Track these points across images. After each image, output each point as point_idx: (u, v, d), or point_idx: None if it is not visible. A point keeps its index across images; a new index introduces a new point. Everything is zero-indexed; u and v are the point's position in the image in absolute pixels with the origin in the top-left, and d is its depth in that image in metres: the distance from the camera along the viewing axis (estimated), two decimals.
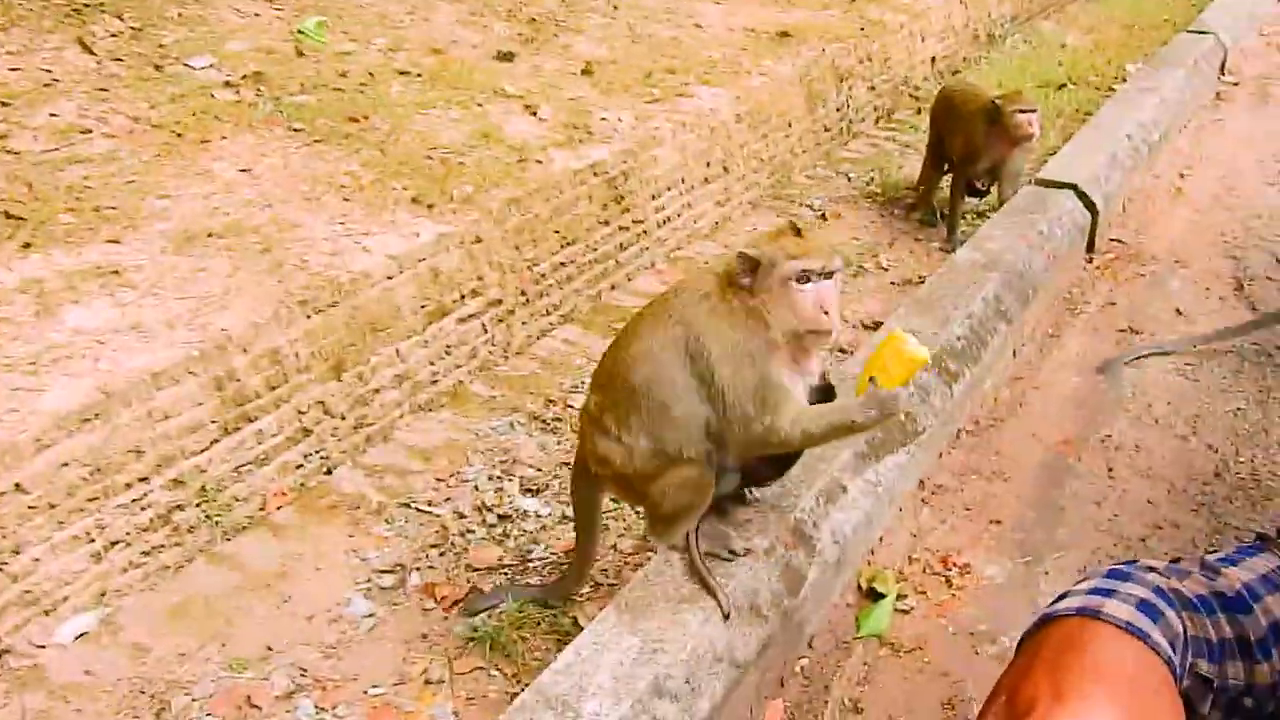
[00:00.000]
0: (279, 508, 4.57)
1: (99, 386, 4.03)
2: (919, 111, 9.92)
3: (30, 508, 3.82)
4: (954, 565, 4.13)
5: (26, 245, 4.80)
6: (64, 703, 3.61)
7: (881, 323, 5.75)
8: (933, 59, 10.74)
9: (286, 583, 4.13)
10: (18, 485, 3.77)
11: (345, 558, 4.21)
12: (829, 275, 2.74)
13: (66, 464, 3.90)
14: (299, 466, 4.77)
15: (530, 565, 4.11)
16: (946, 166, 7.53)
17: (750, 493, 3.24)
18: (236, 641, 3.83)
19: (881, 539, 4.27)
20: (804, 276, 2.70)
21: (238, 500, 4.51)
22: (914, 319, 5.03)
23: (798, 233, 2.85)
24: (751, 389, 2.69)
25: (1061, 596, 1.40)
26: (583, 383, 5.47)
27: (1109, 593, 1.31)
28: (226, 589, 4.10)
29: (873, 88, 9.67)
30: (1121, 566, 1.45)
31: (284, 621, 3.93)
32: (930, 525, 4.42)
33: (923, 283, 6.25)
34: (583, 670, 2.87)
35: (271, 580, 4.14)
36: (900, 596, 3.97)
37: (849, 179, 8.49)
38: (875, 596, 3.95)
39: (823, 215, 7.75)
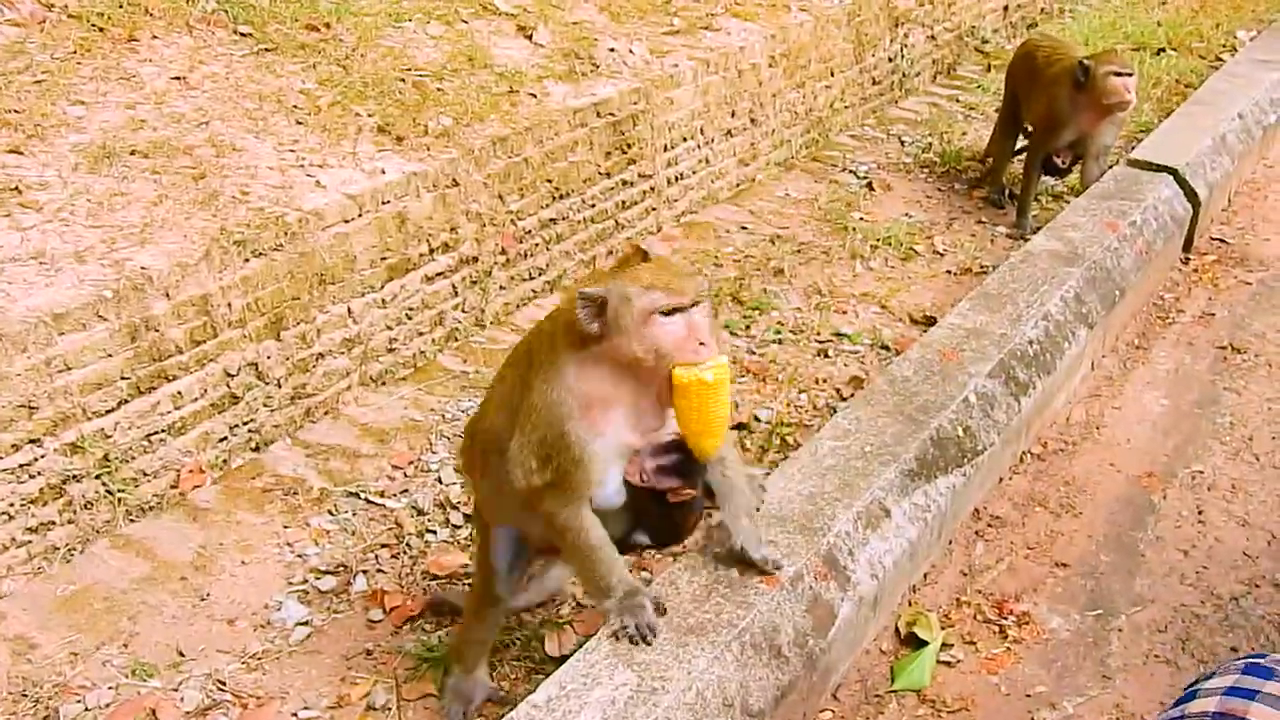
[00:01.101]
0: (196, 487, 4.56)
1: None
2: (988, 69, 9.98)
3: None
4: (1010, 613, 4.14)
5: None
6: None
7: (935, 318, 5.79)
8: (1005, 7, 10.81)
9: (204, 577, 4.13)
10: None
11: (277, 552, 4.20)
12: (696, 304, 2.87)
13: None
14: (223, 439, 4.78)
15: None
16: (1021, 136, 7.56)
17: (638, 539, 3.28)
18: (141, 643, 3.83)
19: (926, 576, 4.27)
20: (670, 309, 2.82)
21: (146, 475, 4.52)
22: (978, 315, 5.04)
23: (645, 258, 3.00)
24: (537, 447, 2.91)
25: (1191, 693, 1.45)
26: None
27: (1251, 694, 1.30)
28: (131, 580, 4.09)
29: (933, 36, 9.73)
30: (1260, 661, 1.49)
31: (199, 623, 3.92)
32: (985, 563, 4.42)
33: (985, 273, 6.28)
34: (566, 708, 2.86)
35: (186, 573, 4.13)
36: (945, 645, 3.94)
37: (902, 143, 8.55)
38: (916, 644, 3.94)
39: (869, 184, 7.79)
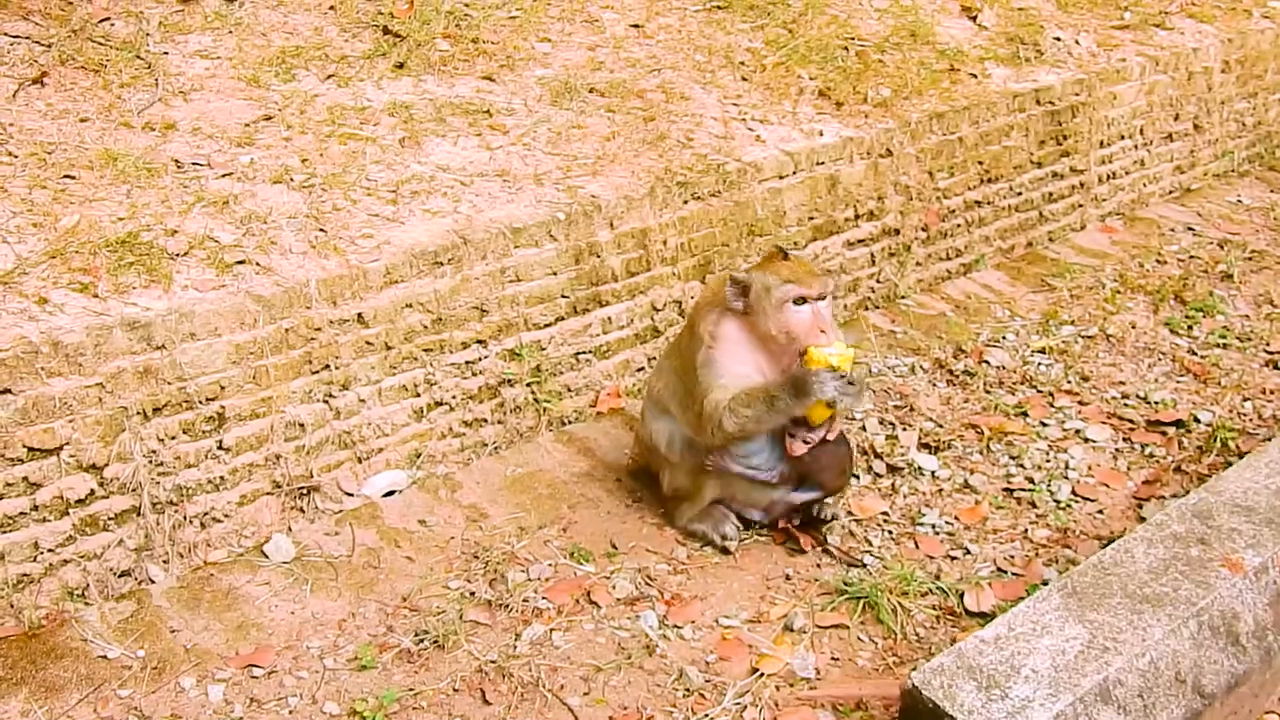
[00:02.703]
0: (608, 410, 4.76)
1: (457, 230, 4.32)
2: None
3: (368, 344, 4.13)
4: None
5: (400, 66, 5.22)
6: (394, 546, 3.97)
7: None
8: None
9: (636, 483, 4.33)
10: (360, 317, 4.08)
11: None
12: (822, 298, 3.59)
13: (410, 305, 4.19)
14: (640, 369, 4.92)
15: (919, 529, 4.14)
16: None
17: (820, 511, 3.97)
18: (579, 531, 4.07)
19: None
20: (800, 299, 3.56)
21: (570, 391, 4.72)
22: None
23: (785, 257, 3.70)
24: (696, 381, 3.64)
25: None
26: (1003, 337, 5.42)
27: None
28: (572, 473, 4.37)
29: None
30: None
31: (631, 522, 4.13)
32: None
33: None
34: (1015, 649, 2.89)
35: (620, 475, 4.35)
36: None
37: None
38: None
39: None
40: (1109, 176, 6.84)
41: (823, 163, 5.31)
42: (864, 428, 4.66)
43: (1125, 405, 4.82)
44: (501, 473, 4.35)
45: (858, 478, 4.36)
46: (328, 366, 4.04)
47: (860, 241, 5.60)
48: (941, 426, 4.69)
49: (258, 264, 3.95)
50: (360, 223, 4.23)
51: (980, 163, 6.00)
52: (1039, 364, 5.13)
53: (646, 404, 4.03)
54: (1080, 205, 6.70)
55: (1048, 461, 4.45)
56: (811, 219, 5.33)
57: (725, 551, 3.93)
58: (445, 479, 4.28)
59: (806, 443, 3.68)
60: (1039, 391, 4.92)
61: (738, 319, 3.70)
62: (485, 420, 4.50)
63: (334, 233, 4.14)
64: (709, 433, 3.68)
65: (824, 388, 3.46)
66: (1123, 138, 6.82)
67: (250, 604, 3.68)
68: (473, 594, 3.71)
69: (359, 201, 4.34)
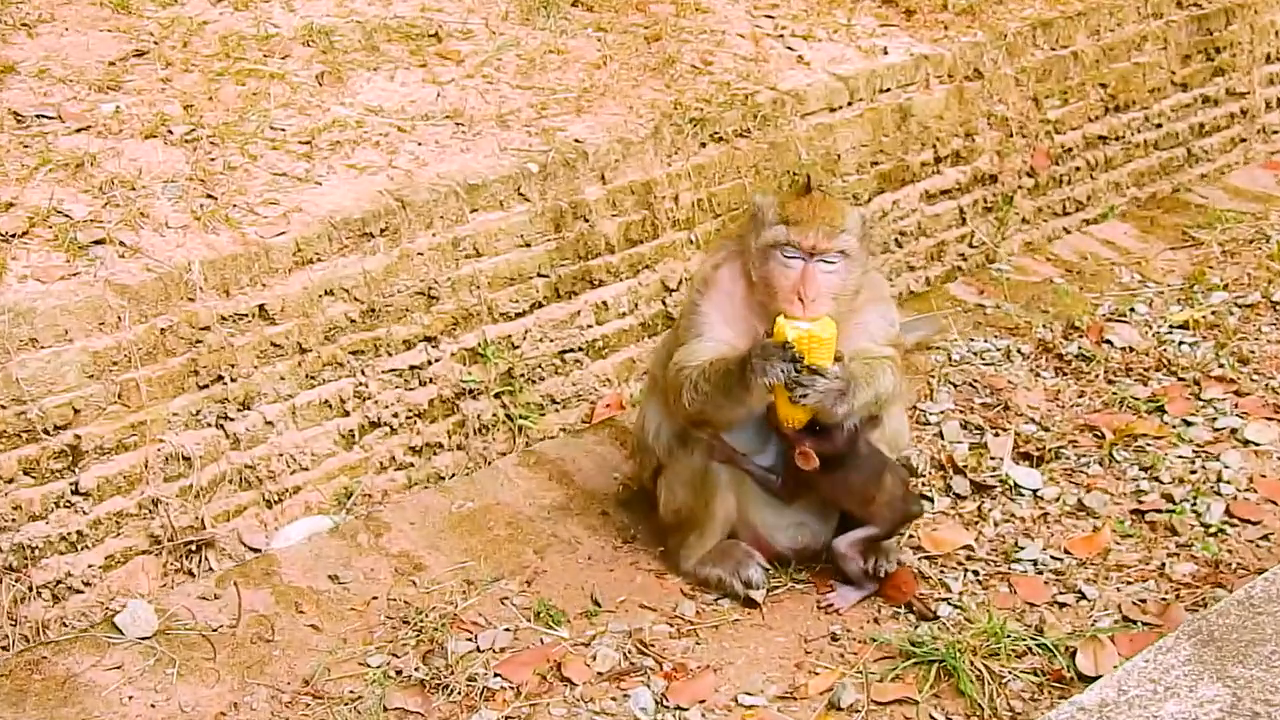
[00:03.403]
0: (595, 423, 4.66)
1: (393, 190, 4.21)
2: None
3: (274, 346, 4.02)
4: None
5: None
6: (295, 612, 3.87)
7: None
8: None
9: (630, 514, 4.26)
10: (262, 310, 3.95)
11: None
12: (814, 254, 3.53)
13: (331, 292, 4.07)
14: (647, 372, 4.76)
15: (1014, 568, 4.01)
16: None
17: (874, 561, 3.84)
18: (549, 583, 3.99)
19: None
20: (790, 247, 3.53)
21: (555, 403, 4.62)
22: None
23: (809, 189, 3.62)
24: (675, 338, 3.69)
25: None
26: (1131, 309, 5.32)
27: None
28: (542, 506, 4.31)
29: None
30: None
31: (620, 570, 4.05)
32: None
33: None
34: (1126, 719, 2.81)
35: (608, 507, 4.31)
36: None
37: None
38: None
39: None
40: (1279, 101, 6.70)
41: (889, 89, 5.22)
42: (941, 434, 4.57)
43: None
44: (444, 508, 4.25)
45: (931, 500, 4.24)
46: (221, 379, 3.93)
47: (944, 193, 5.50)
48: (1047, 430, 4.59)
49: (122, 244, 3.85)
50: (262, 185, 4.14)
51: (1104, 85, 5.90)
52: (1179, 343, 5.06)
53: (645, 385, 4.05)
54: (1243, 139, 6.57)
55: (1193, 473, 4.37)
56: (875, 164, 5.22)
57: (750, 604, 3.82)
58: (368, 519, 4.16)
59: (807, 454, 3.60)
60: (1180, 380, 4.85)
61: (742, 264, 3.71)
62: (440, 446, 4.37)
63: (226, 199, 4.06)
64: (670, 402, 3.73)
65: (766, 370, 3.41)
66: None
67: (95, 696, 3.53)
68: (399, 672, 3.61)
69: (260, 158, 4.27)
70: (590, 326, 4.63)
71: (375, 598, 3.90)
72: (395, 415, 4.27)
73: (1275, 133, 6.69)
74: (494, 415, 4.43)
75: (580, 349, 4.62)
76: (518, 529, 4.18)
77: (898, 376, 3.75)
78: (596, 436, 4.53)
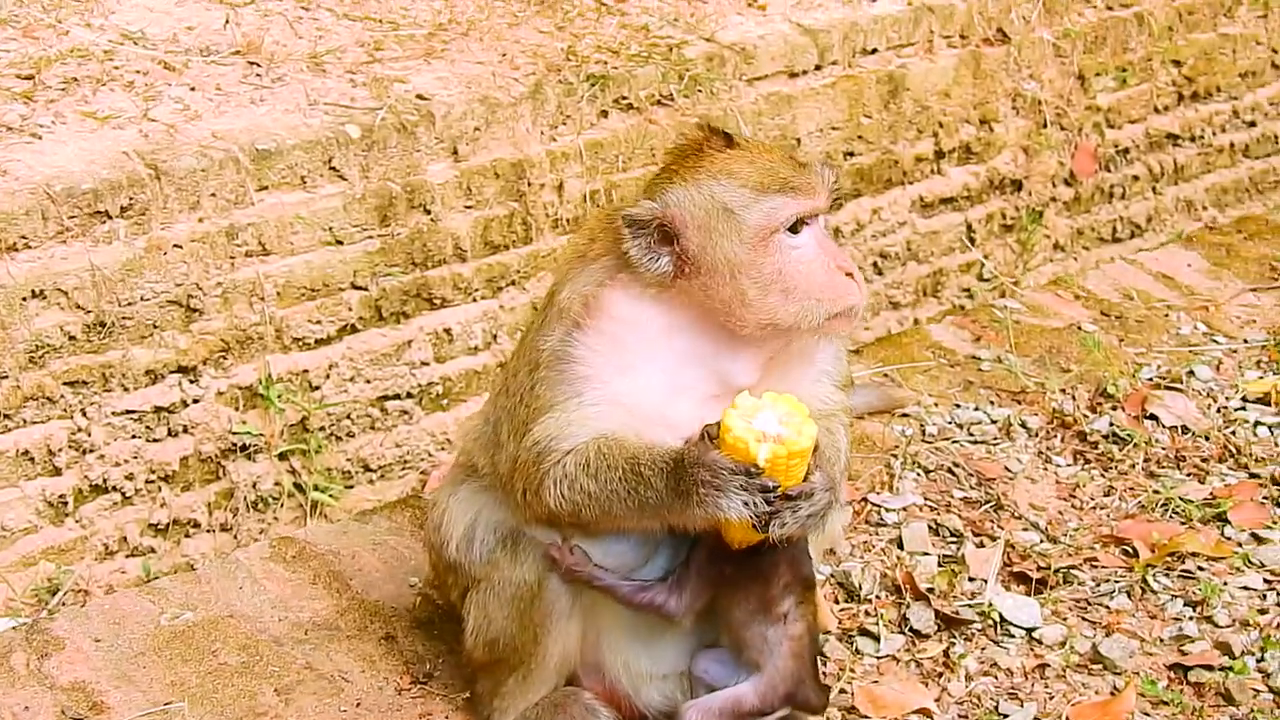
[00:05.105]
0: (382, 504, 4.49)
1: (143, 151, 4.06)
2: None
3: None
4: None
5: None
6: None
7: None
8: None
9: (428, 639, 4.10)
10: None
11: None
12: (831, 208, 3.40)
13: (41, 294, 3.90)
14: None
15: None
16: None
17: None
18: None
19: None
20: (798, 221, 3.31)
21: (368, 470, 4.47)
22: None
23: (730, 144, 3.42)
24: (523, 396, 3.48)
25: None
26: (1190, 373, 5.23)
27: None
28: (297, 623, 4.08)
29: None
30: None
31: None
32: None
33: None
34: None
35: (399, 623, 4.12)
36: None
37: None
38: None
39: None
40: None
41: (874, 50, 5.13)
42: (899, 541, 4.45)
43: None
44: (150, 619, 4.02)
45: (876, 639, 4.09)
46: None
47: (946, 202, 5.40)
48: (1055, 541, 4.49)
49: None
50: None
51: (1176, 63, 5.82)
52: (1255, 424, 5.00)
53: (449, 473, 3.86)
54: None
55: (1262, 614, 4.25)
56: (851, 155, 5.11)
57: None
58: (33, 630, 3.93)
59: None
60: (1253, 476, 4.77)
61: (642, 287, 3.44)
62: (194, 524, 4.23)
63: None
64: (518, 492, 3.51)
65: (724, 505, 3.21)
66: None
67: None
68: None
69: None
70: (426, 364, 4.52)
71: None
72: (130, 477, 4.13)
73: None
74: (277, 484, 4.32)
75: (410, 395, 4.52)
76: (255, 655, 4.01)
77: (849, 438, 3.64)
78: (393, 521, 4.40)
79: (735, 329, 3.38)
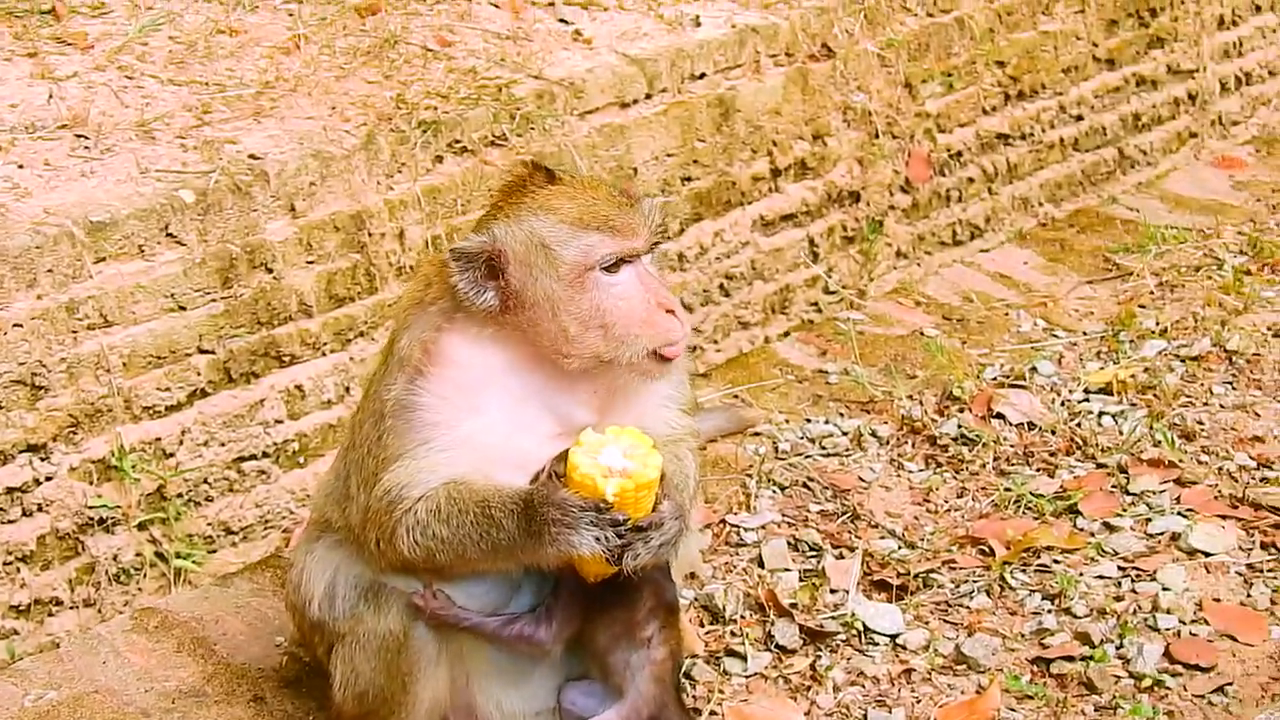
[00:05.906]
0: (245, 565, 4.48)
1: None
2: None
3: None
4: None
5: None
6: None
7: None
8: None
9: (294, 698, 4.06)
10: None
11: None
12: (651, 249, 3.45)
13: None
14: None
15: None
16: None
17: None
18: None
19: None
20: (616, 261, 3.37)
21: (230, 533, 4.43)
22: None
23: (552, 180, 3.50)
24: (371, 446, 3.49)
25: None
26: (1032, 369, 5.27)
27: None
28: (164, 692, 4.03)
29: None
30: None
31: None
32: None
33: None
34: None
35: (268, 685, 4.08)
36: None
37: None
38: None
39: None
40: (1241, 79, 6.84)
41: (703, 75, 5.17)
42: (760, 560, 4.45)
43: (1266, 484, 4.68)
44: (14, 701, 3.96)
45: (743, 659, 4.08)
46: None
47: (788, 218, 5.45)
48: (913, 546, 4.51)
49: None
50: None
51: (1000, 64, 5.91)
52: (1099, 414, 5.05)
53: (303, 533, 3.86)
54: (1193, 134, 6.67)
55: (1118, 600, 4.31)
56: (688, 180, 5.14)
57: None
58: None
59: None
60: (1100, 466, 4.82)
61: (479, 328, 3.51)
62: (57, 602, 4.16)
63: None
64: (371, 542, 3.53)
65: (575, 542, 3.27)
66: (1256, 8, 6.79)
67: None
68: None
69: None
70: (279, 422, 4.50)
71: None
72: None
73: (1236, 121, 6.85)
74: (138, 555, 4.27)
75: (266, 454, 4.49)
76: None
77: (698, 462, 3.65)
78: (255, 582, 4.38)
79: (564, 365, 3.43)
